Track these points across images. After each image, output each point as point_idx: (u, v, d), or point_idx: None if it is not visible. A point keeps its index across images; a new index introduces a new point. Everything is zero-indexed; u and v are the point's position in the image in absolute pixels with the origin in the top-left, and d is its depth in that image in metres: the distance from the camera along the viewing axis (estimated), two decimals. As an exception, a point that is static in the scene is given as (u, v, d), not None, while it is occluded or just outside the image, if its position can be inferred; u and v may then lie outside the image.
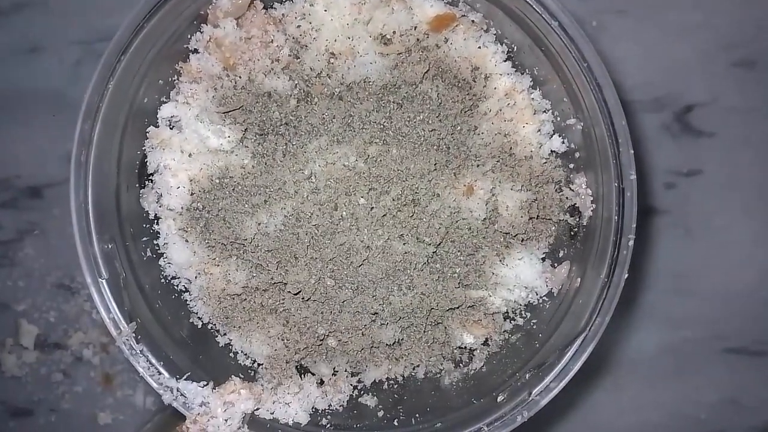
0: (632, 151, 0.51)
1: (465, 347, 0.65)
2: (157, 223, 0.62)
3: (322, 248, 0.59)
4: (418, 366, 0.66)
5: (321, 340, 0.63)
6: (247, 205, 0.59)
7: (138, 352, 0.56)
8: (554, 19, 0.51)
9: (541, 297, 0.63)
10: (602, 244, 0.55)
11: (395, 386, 0.66)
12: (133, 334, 0.56)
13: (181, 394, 0.56)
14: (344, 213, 0.58)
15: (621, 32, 0.82)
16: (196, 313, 0.63)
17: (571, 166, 0.62)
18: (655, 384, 0.85)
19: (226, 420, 0.56)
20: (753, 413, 0.85)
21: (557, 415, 0.84)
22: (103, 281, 0.55)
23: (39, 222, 0.87)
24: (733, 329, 0.84)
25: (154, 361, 0.56)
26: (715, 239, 0.83)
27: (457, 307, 0.63)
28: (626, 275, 0.53)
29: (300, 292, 0.60)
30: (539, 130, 0.62)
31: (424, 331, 0.63)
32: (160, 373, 0.56)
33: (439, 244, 0.60)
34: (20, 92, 0.85)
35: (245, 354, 0.64)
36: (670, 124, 0.83)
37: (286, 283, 0.60)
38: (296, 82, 0.60)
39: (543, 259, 0.64)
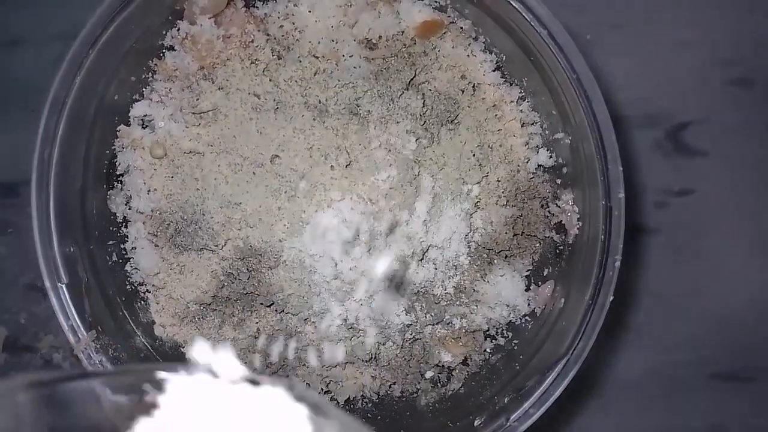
0: (621, 169, 0.49)
1: (443, 366, 0.63)
2: (125, 227, 0.60)
3: (297, 258, 0.56)
4: (394, 384, 0.64)
5: (294, 354, 0.61)
6: (220, 212, 0.57)
7: (97, 362, 0.53)
8: (544, 28, 0.49)
9: (523, 316, 0.61)
10: (587, 265, 0.53)
11: (369, 405, 0.63)
12: (93, 344, 0.53)
13: (141, 408, 0.53)
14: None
15: (616, 46, 0.80)
16: (162, 323, 0.61)
17: (559, 181, 0.60)
18: (641, 408, 0.83)
19: (187, 436, 0.53)
20: (740, 440, 0.83)
21: (539, 437, 0.82)
22: (63, 286, 0.53)
23: (13, 220, 0.84)
24: (721, 354, 0.82)
25: (113, 372, 0.53)
26: (706, 261, 0.81)
27: (437, 323, 0.61)
28: (611, 298, 0.51)
29: (273, 304, 0.58)
30: (527, 144, 0.60)
31: (402, 347, 0.61)
32: (119, 385, 0.53)
33: (421, 259, 0.58)
34: (-3, 86, 0.82)
35: (213, 366, 0.62)
36: (663, 141, 0.81)
37: (258, 294, 0.58)
38: (276, 83, 0.57)
39: (528, 277, 0.62)
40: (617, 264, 0.50)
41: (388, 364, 0.62)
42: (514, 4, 0.49)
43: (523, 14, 0.49)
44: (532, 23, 0.49)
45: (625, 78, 0.80)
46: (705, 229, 0.81)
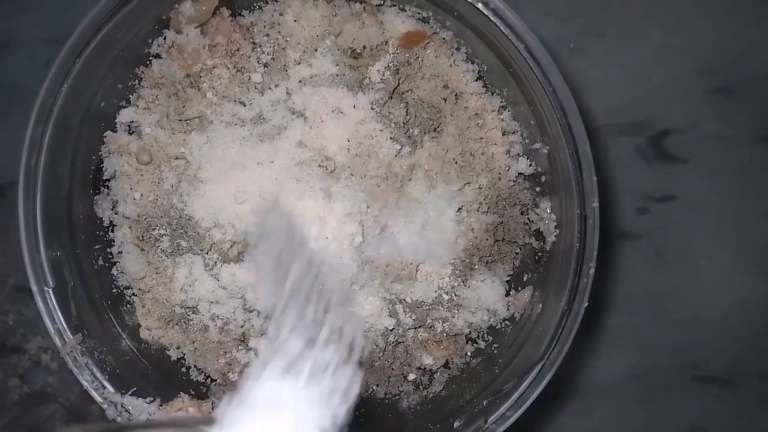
0: (595, 179, 0.50)
1: (425, 368, 0.64)
2: (112, 231, 0.61)
3: (283, 265, 0.57)
4: (377, 386, 0.64)
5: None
6: (206, 216, 0.57)
7: (83, 364, 0.54)
8: (520, 42, 0.50)
9: (502, 320, 0.62)
10: (564, 271, 0.54)
11: (352, 407, 0.64)
12: (79, 346, 0.54)
13: (126, 410, 0.54)
14: (307, 230, 0.56)
15: (599, 55, 0.81)
16: (148, 326, 0.62)
17: (538, 189, 0.61)
18: (622, 411, 0.84)
19: (171, 438, 0.54)
20: (720, 442, 0.84)
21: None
22: (50, 290, 0.53)
23: (1, 222, 0.84)
24: (702, 357, 0.83)
25: (99, 374, 0.54)
26: (687, 266, 0.82)
27: (419, 327, 0.62)
28: (586, 303, 0.52)
29: (254, 310, 0.59)
30: (508, 152, 0.61)
31: (384, 350, 0.62)
32: (104, 387, 0.54)
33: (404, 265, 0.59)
34: (-14, 89, 0.83)
35: (198, 369, 0.63)
36: (645, 148, 0.82)
37: (242, 298, 0.58)
38: (261, 91, 0.58)
39: (508, 282, 0.63)
40: (592, 271, 0.51)
41: (372, 366, 0.63)
42: (492, 18, 0.50)
43: (501, 27, 0.50)
44: (509, 37, 0.50)
45: (608, 86, 0.81)
46: (686, 234, 0.82)
